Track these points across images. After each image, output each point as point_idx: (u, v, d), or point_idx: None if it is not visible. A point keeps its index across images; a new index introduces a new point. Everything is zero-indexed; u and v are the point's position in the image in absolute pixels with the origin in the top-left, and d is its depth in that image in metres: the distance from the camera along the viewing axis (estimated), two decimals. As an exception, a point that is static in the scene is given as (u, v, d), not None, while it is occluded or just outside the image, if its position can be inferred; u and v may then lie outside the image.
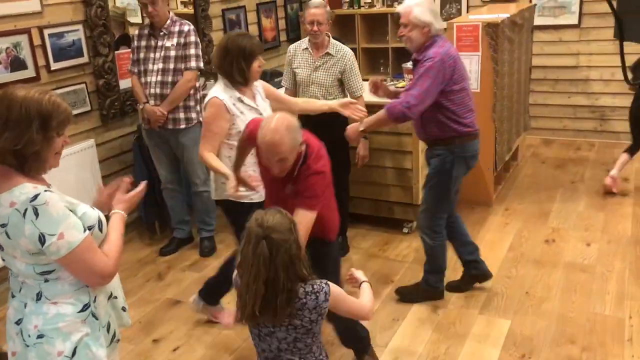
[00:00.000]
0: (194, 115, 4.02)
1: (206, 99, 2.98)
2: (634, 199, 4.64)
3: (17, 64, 3.66)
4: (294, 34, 6.36)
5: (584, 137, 6.07)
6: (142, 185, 2.09)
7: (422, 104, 2.99)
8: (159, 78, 3.91)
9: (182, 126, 3.98)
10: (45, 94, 1.74)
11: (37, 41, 3.78)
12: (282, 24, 6.36)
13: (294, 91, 3.94)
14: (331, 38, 3.81)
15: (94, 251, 1.78)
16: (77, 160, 4.02)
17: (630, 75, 4.51)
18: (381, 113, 3.08)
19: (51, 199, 1.71)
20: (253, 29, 5.91)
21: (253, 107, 3.01)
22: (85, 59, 4.12)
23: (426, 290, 3.49)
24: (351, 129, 3.20)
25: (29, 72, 3.73)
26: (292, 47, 3.95)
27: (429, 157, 3.29)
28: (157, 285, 3.87)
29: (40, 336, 1.80)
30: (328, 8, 3.84)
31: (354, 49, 5.96)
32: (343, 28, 6.21)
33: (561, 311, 3.31)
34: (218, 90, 2.96)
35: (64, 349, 1.80)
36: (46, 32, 3.82)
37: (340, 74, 3.77)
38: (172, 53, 3.89)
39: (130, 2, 4.83)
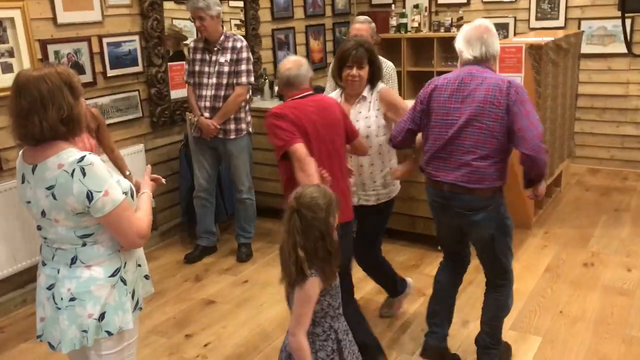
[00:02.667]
0: (243, 126, 4.18)
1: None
2: (681, 229, 4.51)
3: (76, 69, 3.86)
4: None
5: (631, 167, 5.94)
6: (161, 178, 2.29)
7: None
8: (213, 92, 4.09)
9: (232, 136, 4.14)
10: (52, 66, 1.90)
11: (96, 49, 4.03)
12: (329, 46, 6.53)
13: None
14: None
15: (131, 211, 1.95)
16: (127, 162, 4.21)
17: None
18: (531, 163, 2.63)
19: (96, 160, 1.87)
20: (301, 50, 6.10)
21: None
22: (139, 68, 4.36)
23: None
24: None
25: (87, 77, 3.97)
26: (334, 63, 4.07)
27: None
28: (193, 285, 3.98)
29: (72, 299, 1.93)
30: (373, 25, 3.95)
31: (399, 72, 6.11)
32: (390, 52, 6.32)
33: (596, 332, 3.24)
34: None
35: (94, 311, 1.92)
36: (105, 40, 4.07)
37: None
38: (226, 69, 4.07)
39: (186, 24, 5.09)
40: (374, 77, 3.03)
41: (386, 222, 3.33)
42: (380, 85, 3.08)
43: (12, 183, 3.49)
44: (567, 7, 5.87)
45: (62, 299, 1.93)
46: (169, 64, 4.58)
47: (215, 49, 4.09)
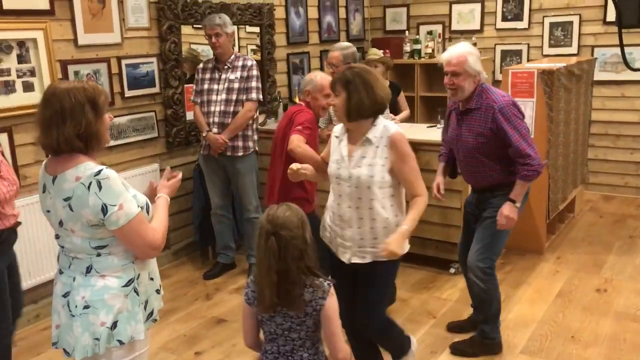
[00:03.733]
0: (250, 144, 4.24)
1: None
2: (696, 256, 4.45)
3: (95, 89, 4.00)
4: (355, 81, 6.58)
5: (646, 194, 5.91)
6: (179, 173, 2.28)
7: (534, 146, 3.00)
8: (222, 108, 4.17)
9: (240, 154, 4.20)
10: (83, 82, 1.99)
11: (115, 70, 4.13)
12: (344, 71, 6.60)
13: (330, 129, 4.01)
14: None
15: (146, 224, 1.99)
16: (141, 181, 4.27)
17: None
18: (520, 183, 3.01)
19: (112, 174, 1.93)
20: (316, 74, 6.18)
21: None
22: (156, 89, 4.45)
23: (483, 344, 3.26)
24: (509, 210, 3.00)
25: (105, 97, 4.06)
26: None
27: (487, 198, 3.16)
28: (204, 304, 4.00)
29: (86, 307, 1.96)
30: (350, 51, 4.07)
31: (412, 97, 6.17)
32: (403, 77, 6.40)
33: (607, 358, 3.20)
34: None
35: (107, 320, 1.96)
36: (124, 62, 4.18)
37: None
38: (236, 85, 4.16)
39: (204, 49, 5.19)
40: (351, 108, 2.50)
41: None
42: (392, 129, 2.56)
43: (28, 199, 3.56)
44: (580, 35, 5.91)
45: (76, 306, 1.97)
46: (185, 85, 4.67)
47: (226, 67, 4.18)
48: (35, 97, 3.63)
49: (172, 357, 3.36)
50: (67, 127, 1.89)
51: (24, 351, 3.44)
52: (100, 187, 1.89)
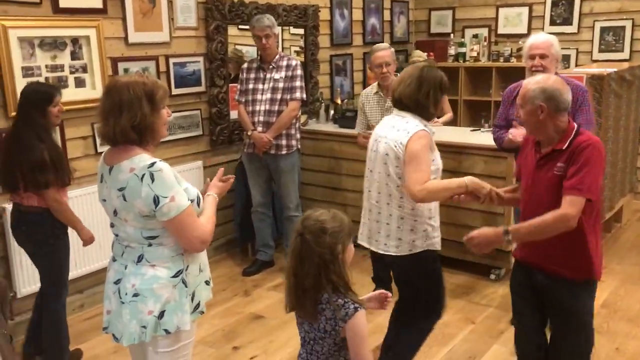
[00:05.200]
0: (294, 142, 4.28)
1: (409, 133, 2.60)
2: None
3: (143, 86, 4.11)
4: (398, 84, 6.56)
5: (698, 205, 5.69)
6: (232, 177, 2.33)
7: None
8: (267, 107, 4.21)
9: (284, 152, 4.24)
10: (143, 76, 2.05)
11: (162, 68, 4.23)
12: (387, 73, 6.59)
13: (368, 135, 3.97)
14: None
15: (195, 217, 2.03)
16: (185, 177, 4.34)
17: None
18: None
19: (165, 167, 1.98)
20: (357, 76, 6.19)
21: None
22: (202, 88, 4.53)
23: None
24: None
25: (153, 94, 4.16)
26: (363, 92, 4.14)
27: None
28: (242, 300, 4.05)
29: (135, 294, 2.03)
30: (392, 49, 3.97)
31: (455, 100, 6.11)
32: (447, 80, 6.33)
33: (654, 371, 3.11)
34: (419, 124, 2.64)
35: (154, 309, 2.01)
36: (171, 60, 4.27)
37: None
38: (281, 85, 4.20)
39: (248, 50, 5.26)
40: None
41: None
42: (416, 129, 2.59)
43: (78, 192, 3.68)
44: (632, 39, 5.75)
45: (126, 293, 2.03)
46: (229, 85, 4.74)
47: (271, 67, 4.22)
48: (86, 93, 3.76)
49: (211, 350, 3.41)
50: (123, 118, 1.95)
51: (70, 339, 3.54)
52: (153, 179, 1.93)
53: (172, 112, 4.24)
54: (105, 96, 2.01)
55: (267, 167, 4.35)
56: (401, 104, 2.71)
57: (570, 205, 2.20)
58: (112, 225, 2.12)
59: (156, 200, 1.93)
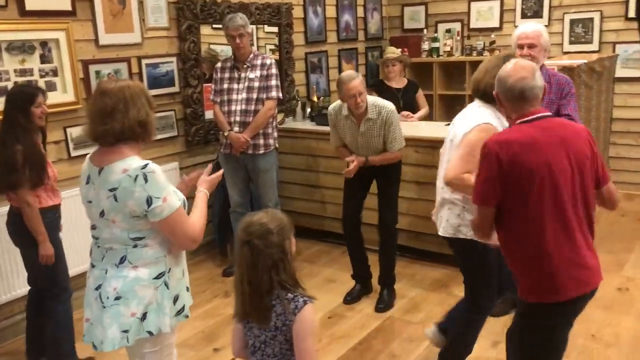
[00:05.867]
0: (271, 141, 4.27)
1: (471, 122, 2.61)
2: None
3: (116, 88, 4.06)
4: (373, 80, 6.58)
5: (670, 193, 5.81)
6: (220, 171, 2.39)
7: None
8: (243, 107, 4.19)
9: (261, 151, 4.23)
10: (127, 80, 2.15)
11: (135, 69, 4.18)
12: (362, 69, 6.61)
13: (346, 148, 3.88)
14: (368, 99, 3.64)
15: (186, 216, 2.08)
16: (160, 180, 4.34)
17: None
18: None
19: (157, 169, 2.03)
20: (333, 73, 6.19)
21: None
22: (176, 88, 4.50)
23: None
24: None
25: (126, 96, 4.11)
26: (332, 110, 3.84)
27: None
28: (223, 301, 4.03)
29: (117, 297, 2.04)
30: (360, 76, 3.66)
31: (430, 95, 6.14)
32: (421, 75, 6.38)
33: (629, 357, 3.16)
34: (487, 116, 2.60)
35: (137, 310, 2.02)
36: (144, 61, 4.23)
37: (384, 133, 3.69)
38: (256, 84, 4.18)
39: (223, 49, 5.23)
40: None
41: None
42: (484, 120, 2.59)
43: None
44: (601, 31, 5.84)
45: (107, 297, 2.04)
46: (204, 85, 4.71)
47: (245, 66, 4.20)
48: (57, 97, 3.71)
49: (191, 353, 3.39)
50: (131, 112, 2.01)
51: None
52: (146, 180, 1.96)
53: (146, 113, 4.27)
54: (103, 94, 2.02)
55: (245, 167, 4.33)
56: (486, 95, 2.60)
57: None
58: (93, 228, 2.12)
59: (149, 201, 1.96)
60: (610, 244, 4.72)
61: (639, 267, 4.27)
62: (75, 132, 3.84)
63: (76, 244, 3.66)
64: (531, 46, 3.27)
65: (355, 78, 3.55)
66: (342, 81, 3.56)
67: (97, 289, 2.08)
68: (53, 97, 3.66)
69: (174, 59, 4.46)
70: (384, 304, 3.85)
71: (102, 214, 2.04)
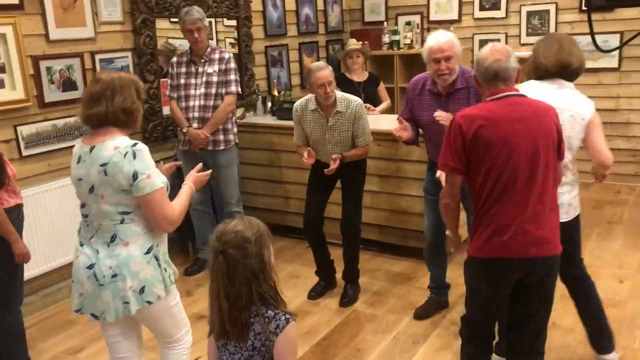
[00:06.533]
0: (231, 137, 4.21)
1: (589, 103, 2.74)
2: (673, 241, 4.51)
3: (68, 85, 3.94)
4: (337, 73, 6.54)
5: (624, 181, 5.96)
6: (209, 171, 2.57)
7: None
8: (202, 102, 4.11)
9: (221, 147, 4.16)
10: (120, 72, 2.35)
11: (88, 65, 4.06)
12: (323, 63, 6.57)
13: (309, 147, 3.82)
14: (336, 93, 3.64)
15: (166, 199, 2.24)
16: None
17: None
18: None
19: (144, 149, 2.21)
20: (294, 67, 6.15)
21: None
22: (132, 84, 4.38)
23: None
24: None
25: (79, 93, 3.98)
26: (297, 106, 3.78)
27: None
28: (185, 300, 3.91)
29: (114, 275, 2.21)
30: (330, 67, 3.63)
31: (391, 88, 6.15)
32: (382, 68, 6.38)
33: (587, 343, 3.22)
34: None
35: (133, 284, 2.22)
36: (97, 57, 4.11)
37: (353, 127, 3.68)
38: (215, 79, 4.11)
39: (181, 43, 5.13)
40: None
41: None
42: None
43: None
44: (557, 23, 5.94)
45: (104, 276, 2.21)
46: (161, 80, 4.61)
47: (202, 60, 4.12)
48: (6, 94, 3.57)
49: (152, 355, 3.31)
50: (116, 100, 2.19)
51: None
52: (134, 157, 2.15)
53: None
54: (95, 82, 2.23)
55: (205, 164, 4.24)
56: (570, 74, 2.76)
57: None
58: (82, 206, 2.27)
59: (135, 176, 2.13)
60: (568, 232, 4.82)
61: (595, 255, 4.37)
62: (26, 130, 3.71)
63: (35, 245, 3.54)
64: (448, 59, 3.09)
65: (324, 68, 3.56)
66: (312, 70, 3.56)
67: (89, 267, 2.23)
68: (1, 95, 3.54)
69: (129, 53, 4.34)
70: (348, 299, 3.84)
71: (91, 189, 2.20)
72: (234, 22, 5.34)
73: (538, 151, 2.24)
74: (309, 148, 3.72)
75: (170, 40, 5.13)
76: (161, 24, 4.67)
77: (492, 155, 2.22)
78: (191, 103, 4.14)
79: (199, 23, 4.02)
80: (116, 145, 2.16)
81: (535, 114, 2.28)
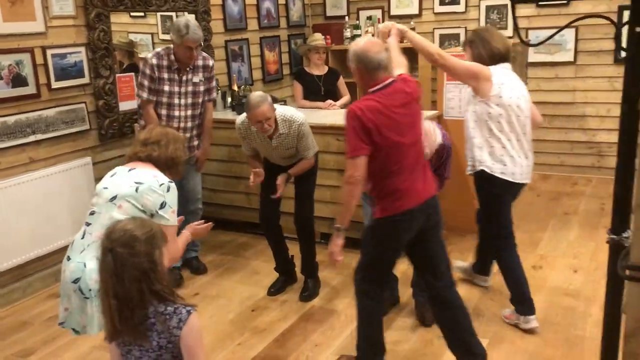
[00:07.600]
0: (198, 141, 4.21)
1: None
2: (626, 230, 4.62)
3: (18, 81, 3.83)
4: (297, 68, 6.54)
5: (581, 172, 6.09)
6: (210, 224, 2.70)
7: None
8: (189, 112, 4.01)
9: (195, 151, 4.16)
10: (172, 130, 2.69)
11: (39, 60, 3.95)
12: (285, 57, 6.55)
13: (258, 156, 3.84)
14: (277, 113, 3.51)
15: (175, 237, 2.42)
16: (73, 175, 4.15)
17: None
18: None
19: (175, 189, 2.46)
20: (256, 62, 6.11)
21: None
22: (86, 79, 4.28)
23: None
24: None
25: (30, 89, 3.89)
26: (240, 125, 3.68)
27: None
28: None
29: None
30: (269, 98, 3.48)
31: (352, 83, 6.13)
32: (343, 62, 6.34)
33: (542, 331, 3.29)
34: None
35: None
36: (49, 52, 4.00)
37: (296, 144, 3.65)
38: (201, 88, 4.04)
39: (143, 39, 5.04)
40: None
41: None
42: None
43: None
44: (514, 17, 6.00)
45: (90, 289, 2.28)
46: (117, 75, 4.51)
47: (188, 68, 3.96)
48: (-49, 91, 3.45)
49: (107, 355, 3.26)
50: (170, 149, 2.52)
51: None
52: (168, 190, 2.42)
53: (53, 106, 4.06)
54: (149, 132, 2.58)
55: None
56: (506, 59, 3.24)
57: (347, 168, 2.65)
58: (92, 213, 2.40)
59: (163, 205, 2.37)
60: (526, 223, 4.90)
61: (552, 245, 4.45)
62: (-26, 128, 3.60)
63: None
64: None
65: (262, 104, 3.36)
66: (249, 106, 3.39)
67: (74, 282, 2.29)
68: (-54, 91, 3.42)
69: (82, 48, 4.24)
70: (308, 292, 3.84)
71: (113, 198, 2.35)
72: (192, 17, 5.26)
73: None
74: (255, 170, 3.66)
75: (130, 36, 5.03)
76: (121, 18, 4.57)
77: (382, 139, 2.60)
78: (176, 113, 3.97)
79: (200, 41, 3.90)
80: (155, 174, 2.42)
81: (412, 96, 2.70)
